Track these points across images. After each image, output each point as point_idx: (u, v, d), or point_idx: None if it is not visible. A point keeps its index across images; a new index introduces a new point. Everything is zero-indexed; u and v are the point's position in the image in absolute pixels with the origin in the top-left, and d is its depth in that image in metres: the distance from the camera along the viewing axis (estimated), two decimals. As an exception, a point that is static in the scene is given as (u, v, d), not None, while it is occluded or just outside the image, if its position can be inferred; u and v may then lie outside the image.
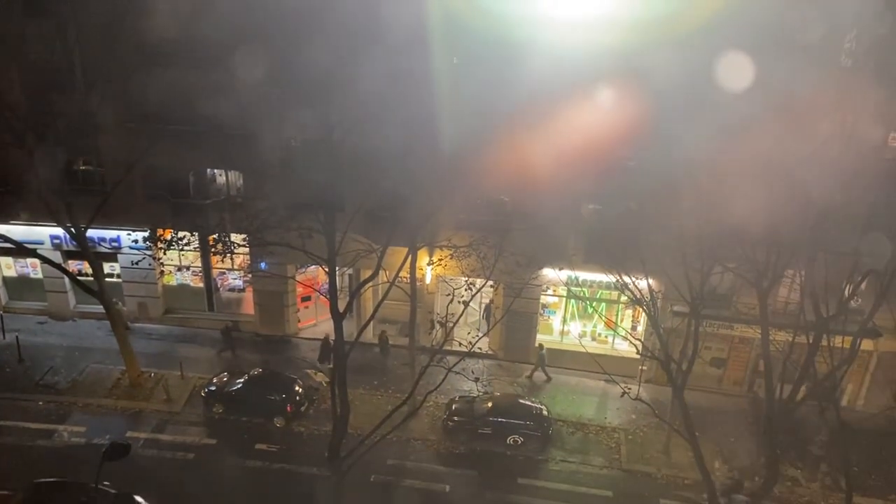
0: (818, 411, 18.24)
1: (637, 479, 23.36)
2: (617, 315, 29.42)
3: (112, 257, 28.75)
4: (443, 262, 24.59)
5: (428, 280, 28.23)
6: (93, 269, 24.52)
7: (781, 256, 18.29)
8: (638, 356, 23.19)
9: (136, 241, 24.40)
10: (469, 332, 25.38)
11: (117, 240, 27.97)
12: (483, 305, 30.72)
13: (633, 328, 29.04)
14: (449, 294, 19.03)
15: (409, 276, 23.77)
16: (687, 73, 18.33)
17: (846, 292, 18.46)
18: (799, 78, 16.56)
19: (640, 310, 24.41)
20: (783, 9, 18.47)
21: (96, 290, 24.33)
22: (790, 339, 19.61)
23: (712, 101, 17.73)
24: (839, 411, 17.96)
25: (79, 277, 26.03)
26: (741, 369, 28.39)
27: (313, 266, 26.99)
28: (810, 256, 18.33)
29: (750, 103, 16.98)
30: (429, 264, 27.15)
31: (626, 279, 18.94)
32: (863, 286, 19.83)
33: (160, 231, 19.72)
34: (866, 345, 23.00)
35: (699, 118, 17.42)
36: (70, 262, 28.66)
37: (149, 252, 21.81)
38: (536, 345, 28.59)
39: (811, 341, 18.10)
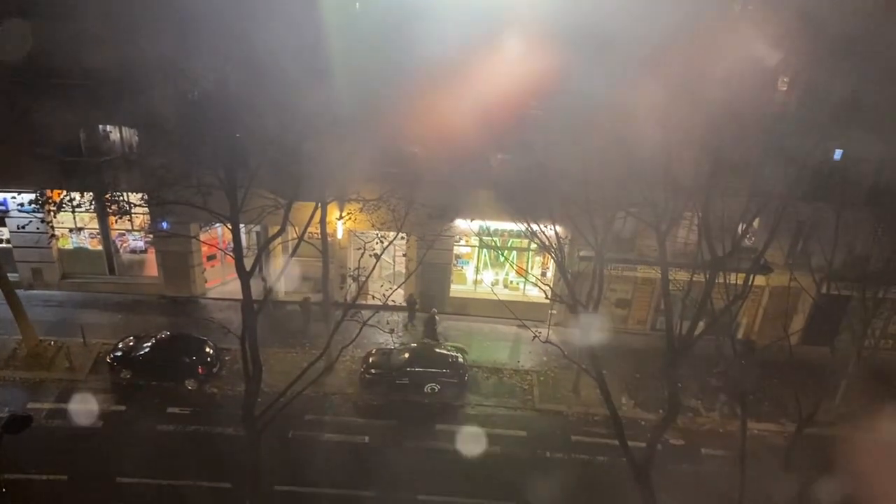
0: (715, 345, 19.23)
1: (549, 418, 24.26)
2: (527, 262, 30.04)
3: (0, 222, 27.03)
4: (353, 216, 24.28)
5: (339, 235, 27.91)
6: (-22, 236, 23.04)
7: (679, 199, 18.92)
8: (548, 301, 23.87)
9: (21, 205, 22.98)
10: (383, 286, 25.31)
11: (4, 203, 26.20)
12: (396, 259, 30.64)
13: (543, 274, 29.77)
14: (360, 248, 18.86)
15: (319, 231, 23.43)
16: (589, 21, 18.45)
17: (740, 231, 19.35)
18: (692, 19, 16.95)
19: (549, 256, 25.07)
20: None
21: (-17, 257, 22.92)
22: (689, 278, 20.49)
23: (614, 46, 17.93)
24: (735, 344, 19.01)
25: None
26: (644, 309, 29.64)
27: (218, 224, 26.13)
28: (706, 198, 19.04)
29: (647, 46, 17.25)
30: (339, 219, 26.79)
31: (535, 227, 19.25)
32: (755, 225, 20.82)
33: (50, 192, 18.57)
34: (758, 281, 24.30)
35: (601, 65, 17.62)
36: (-47, 228, 26.83)
37: (38, 215, 20.56)
38: (431, 312, 27.77)
39: (708, 279, 18.95)
